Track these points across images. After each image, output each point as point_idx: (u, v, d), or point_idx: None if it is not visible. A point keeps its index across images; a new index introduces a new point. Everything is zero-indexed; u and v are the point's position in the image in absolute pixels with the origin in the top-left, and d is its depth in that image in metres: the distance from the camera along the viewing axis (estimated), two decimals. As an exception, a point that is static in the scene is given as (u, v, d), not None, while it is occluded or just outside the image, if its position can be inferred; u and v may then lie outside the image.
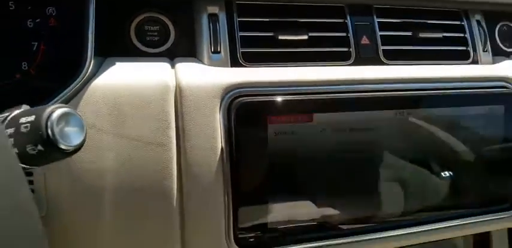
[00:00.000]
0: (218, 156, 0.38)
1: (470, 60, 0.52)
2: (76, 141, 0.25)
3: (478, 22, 0.53)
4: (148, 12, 0.44)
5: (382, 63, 0.48)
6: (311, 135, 0.39)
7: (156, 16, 0.44)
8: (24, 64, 0.44)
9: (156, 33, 0.45)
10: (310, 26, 0.46)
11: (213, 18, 0.44)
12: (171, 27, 0.45)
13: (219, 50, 0.43)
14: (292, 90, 0.41)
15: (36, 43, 0.47)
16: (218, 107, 0.38)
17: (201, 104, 0.38)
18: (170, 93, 0.38)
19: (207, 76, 0.40)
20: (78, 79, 0.38)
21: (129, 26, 0.44)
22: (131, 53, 0.43)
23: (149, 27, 0.44)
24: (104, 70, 0.38)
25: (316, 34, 0.46)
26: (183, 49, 0.45)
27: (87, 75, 0.38)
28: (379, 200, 0.42)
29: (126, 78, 0.38)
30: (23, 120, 0.22)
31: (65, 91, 0.38)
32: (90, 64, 0.38)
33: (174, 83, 0.38)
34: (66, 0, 0.47)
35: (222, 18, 0.44)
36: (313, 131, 0.39)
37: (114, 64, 0.40)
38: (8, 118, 0.23)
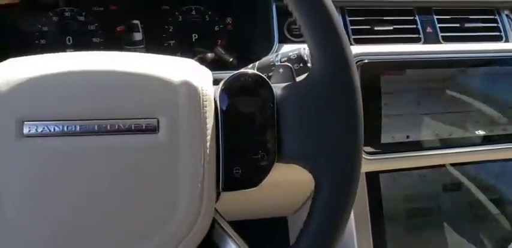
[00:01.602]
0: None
1: (503, 40, 0.76)
2: None
3: (507, 15, 0.78)
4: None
5: (441, 44, 0.73)
6: (404, 83, 0.65)
7: (298, 19, 0.72)
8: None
9: (297, 29, 0.72)
10: (393, 21, 0.72)
11: (334, 18, 0.71)
12: (307, 25, 0.72)
13: (340, 37, 0.70)
14: (391, 57, 0.66)
15: (220, 40, 0.75)
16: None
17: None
18: None
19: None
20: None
21: (283, 25, 0.71)
22: (288, 42, 0.70)
23: (294, 26, 0.72)
24: (280, 48, 0.65)
25: (398, 26, 0.72)
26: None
27: (273, 52, 0.65)
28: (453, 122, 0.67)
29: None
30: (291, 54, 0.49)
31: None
32: (276, 47, 0.65)
33: None
34: (239, 13, 0.75)
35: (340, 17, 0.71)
36: (405, 80, 0.65)
37: (283, 46, 0.67)
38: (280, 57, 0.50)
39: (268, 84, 0.39)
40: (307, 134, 0.38)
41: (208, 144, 0.37)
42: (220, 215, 0.43)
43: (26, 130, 0.34)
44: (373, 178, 0.67)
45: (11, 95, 0.34)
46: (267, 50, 0.66)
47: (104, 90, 0.35)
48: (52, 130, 0.34)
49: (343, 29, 0.39)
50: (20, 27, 0.69)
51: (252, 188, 0.39)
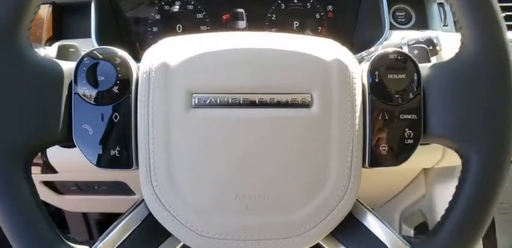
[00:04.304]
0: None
1: None
2: None
3: None
4: (399, 4, 0.72)
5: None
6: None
7: (403, 6, 0.72)
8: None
9: (403, 17, 0.71)
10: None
11: (440, 5, 0.70)
12: (412, 13, 0.72)
13: (447, 24, 0.69)
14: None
15: (320, 27, 0.76)
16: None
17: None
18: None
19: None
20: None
21: (389, 12, 0.71)
22: (394, 29, 0.69)
23: (399, 13, 0.71)
24: (390, 35, 0.65)
25: None
26: (420, 25, 0.71)
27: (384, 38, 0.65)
28: None
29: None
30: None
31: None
32: (387, 34, 0.65)
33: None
34: (340, 2, 0.76)
35: (446, 5, 0.70)
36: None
37: (392, 33, 0.66)
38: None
39: (415, 63, 0.40)
40: (457, 113, 0.38)
41: (356, 120, 0.38)
42: None
43: (194, 102, 0.37)
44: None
45: (181, 70, 0.37)
46: (376, 37, 0.66)
47: (264, 67, 0.37)
48: (218, 101, 0.37)
49: (500, 10, 0.38)
50: (134, 15, 0.74)
51: (397, 166, 0.39)
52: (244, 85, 0.37)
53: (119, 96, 0.38)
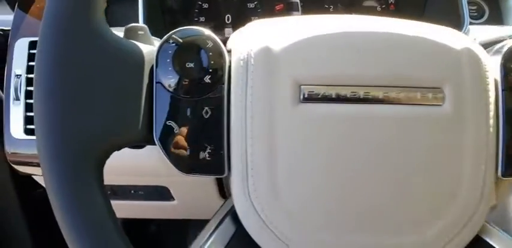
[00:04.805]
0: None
1: None
2: None
3: None
4: (471, -2, 0.66)
5: None
6: None
7: (475, 0, 0.66)
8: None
9: (475, 11, 0.65)
10: None
11: None
12: (485, 7, 0.66)
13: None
14: None
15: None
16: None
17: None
18: None
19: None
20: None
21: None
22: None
23: (471, 7, 0.65)
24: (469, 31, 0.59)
25: None
26: (494, 20, 0.65)
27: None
28: None
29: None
30: None
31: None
32: (466, 28, 0.59)
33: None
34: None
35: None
36: None
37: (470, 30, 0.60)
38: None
39: None
40: None
41: (490, 121, 0.32)
42: None
43: (303, 95, 0.31)
44: None
45: (287, 56, 0.31)
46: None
47: (387, 55, 0.31)
48: (332, 95, 0.31)
49: None
50: (181, 3, 0.68)
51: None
52: (365, 76, 0.31)
53: (211, 87, 0.31)
